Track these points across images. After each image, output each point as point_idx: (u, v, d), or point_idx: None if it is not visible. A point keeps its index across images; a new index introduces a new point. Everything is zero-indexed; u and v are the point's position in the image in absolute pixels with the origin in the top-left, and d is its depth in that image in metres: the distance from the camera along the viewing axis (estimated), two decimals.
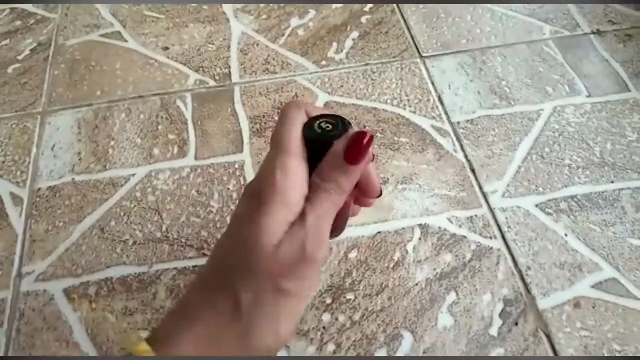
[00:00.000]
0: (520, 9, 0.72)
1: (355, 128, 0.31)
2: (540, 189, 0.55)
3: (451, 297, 0.48)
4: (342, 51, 0.68)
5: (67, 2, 0.74)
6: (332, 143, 0.30)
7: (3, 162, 0.58)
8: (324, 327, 0.46)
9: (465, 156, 0.57)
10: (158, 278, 0.49)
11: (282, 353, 0.45)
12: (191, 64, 0.66)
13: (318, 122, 0.31)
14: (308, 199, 0.28)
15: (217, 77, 0.65)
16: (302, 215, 0.28)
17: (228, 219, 0.53)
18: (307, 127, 0.30)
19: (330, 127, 0.30)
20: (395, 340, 0.46)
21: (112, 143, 0.59)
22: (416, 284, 0.49)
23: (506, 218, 0.53)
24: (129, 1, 0.74)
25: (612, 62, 0.66)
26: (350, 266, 0.50)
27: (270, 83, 0.64)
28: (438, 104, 0.62)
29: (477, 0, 0.73)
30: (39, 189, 0.56)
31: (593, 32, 0.70)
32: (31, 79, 0.65)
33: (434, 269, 0.50)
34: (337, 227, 0.36)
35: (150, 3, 0.73)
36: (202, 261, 0.50)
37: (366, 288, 0.48)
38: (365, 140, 0.29)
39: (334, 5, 0.73)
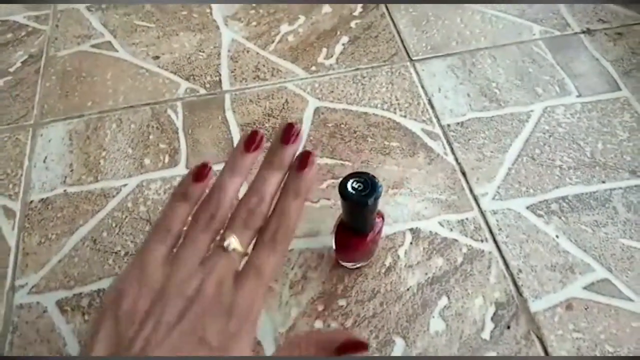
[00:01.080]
0: (510, 9, 0.72)
1: (381, 185, 0.38)
2: (531, 190, 0.55)
3: (443, 301, 0.48)
4: (332, 56, 0.68)
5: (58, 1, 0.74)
6: (366, 202, 0.37)
7: None
8: None
9: (456, 159, 0.57)
10: None
11: None
12: (182, 73, 0.67)
13: (351, 182, 0.38)
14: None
15: (207, 85, 0.65)
16: None
17: None
18: (343, 185, 0.38)
19: (362, 186, 0.38)
20: (388, 346, 0.46)
21: (104, 154, 0.59)
22: (408, 289, 0.49)
23: (497, 221, 0.53)
24: (119, 1, 0.74)
25: (603, 61, 0.66)
26: (342, 272, 0.50)
27: (261, 90, 0.64)
28: (428, 107, 0.62)
29: (466, 0, 0.73)
30: (31, 201, 0.56)
31: (583, 32, 0.70)
32: (23, 91, 0.65)
33: (426, 274, 0.50)
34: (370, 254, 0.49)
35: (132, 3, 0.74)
36: None
37: (358, 294, 0.49)
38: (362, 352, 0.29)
39: (323, 11, 0.73)
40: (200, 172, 0.29)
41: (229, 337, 0.25)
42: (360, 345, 0.28)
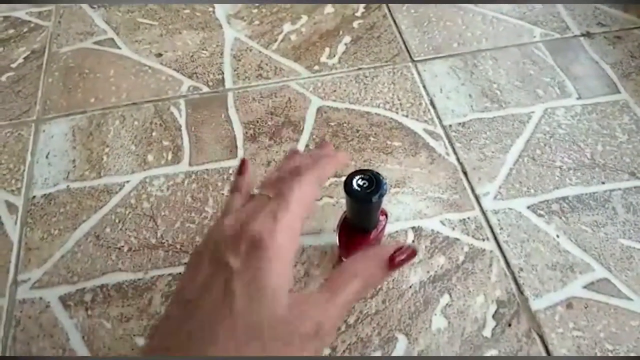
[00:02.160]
0: (510, 12, 0.73)
1: (386, 182, 0.38)
2: (532, 190, 0.55)
3: (445, 299, 0.48)
4: (334, 56, 0.68)
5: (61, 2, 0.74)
6: (370, 199, 0.37)
7: None
8: None
9: (458, 159, 0.58)
10: (153, 284, 0.50)
11: None
12: (185, 71, 0.67)
13: (356, 179, 0.37)
14: (338, 283, 0.27)
15: (210, 83, 0.65)
16: (332, 296, 0.27)
17: None
18: (348, 182, 0.37)
19: (367, 183, 0.37)
20: (390, 343, 0.46)
21: (107, 150, 0.59)
22: (410, 287, 0.49)
23: (498, 220, 0.53)
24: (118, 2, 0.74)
25: (602, 64, 0.67)
26: None
27: (264, 89, 0.65)
28: (430, 107, 0.62)
29: (467, 0, 0.74)
30: (34, 197, 0.56)
31: (583, 35, 0.70)
32: (25, 87, 0.65)
33: (428, 272, 0.50)
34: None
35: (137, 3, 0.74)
36: None
37: None
38: (410, 259, 0.30)
39: (326, 11, 0.73)
40: (241, 167, 0.34)
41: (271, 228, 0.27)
42: (411, 251, 0.30)
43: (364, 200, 0.37)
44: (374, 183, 0.38)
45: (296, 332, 0.25)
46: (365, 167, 0.50)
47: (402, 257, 0.29)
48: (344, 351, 0.46)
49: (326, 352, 0.46)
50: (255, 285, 0.25)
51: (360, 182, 0.38)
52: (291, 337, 0.25)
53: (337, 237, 0.46)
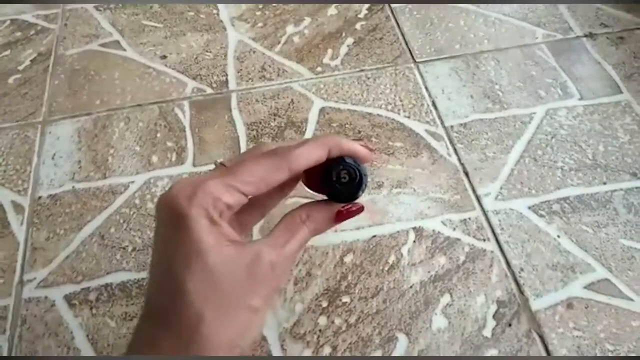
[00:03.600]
0: (513, 13, 0.73)
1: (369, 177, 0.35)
2: (533, 191, 0.55)
3: (445, 299, 0.49)
4: (337, 57, 0.69)
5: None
6: (355, 197, 0.32)
7: (4, 171, 0.59)
8: (320, 330, 0.47)
9: (459, 160, 0.58)
10: None
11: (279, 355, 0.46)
12: (189, 72, 0.68)
13: (339, 168, 0.31)
14: (288, 230, 0.30)
15: (214, 85, 0.66)
16: (284, 244, 0.29)
17: None
18: (327, 169, 0.31)
19: (347, 178, 0.31)
20: (390, 343, 0.46)
21: (112, 151, 0.60)
22: (411, 287, 0.49)
23: (499, 220, 0.53)
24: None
25: (605, 64, 0.67)
26: (346, 270, 0.51)
27: (267, 90, 0.65)
28: (432, 108, 0.63)
29: (470, 1, 0.74)
30: (39, 197, 0.57)
31: (585, 35, 0.71)
32: (31, 89, 0.66)
33: (429, 272, 0.50)
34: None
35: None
36: None
37: (362, 291, 0.49)
38: (356, 214, 0.32)
39: (328, 13, 0.74)
40: None
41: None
42: (359, 207, 0.32)
43: (349, 199, 0.32)
44: (356, 179, 0.31)
45: (260, 283, 0.27)
46: (367, 168, 0.47)
47: (350, 214, 0.32)
48: (344, 350, 0.46)
49: (327, 351, 0.46)
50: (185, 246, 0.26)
51: (342, 176, 0.31)
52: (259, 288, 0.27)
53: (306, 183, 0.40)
